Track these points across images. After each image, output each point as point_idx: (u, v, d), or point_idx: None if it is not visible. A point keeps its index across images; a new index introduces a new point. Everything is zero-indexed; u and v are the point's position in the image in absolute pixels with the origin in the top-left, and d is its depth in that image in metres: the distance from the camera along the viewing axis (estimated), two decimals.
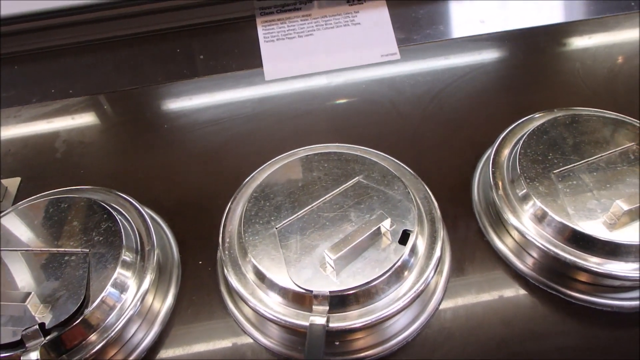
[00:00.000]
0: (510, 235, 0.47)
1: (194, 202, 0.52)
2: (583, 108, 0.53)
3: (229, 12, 0.67)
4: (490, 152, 0.51)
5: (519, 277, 0.46)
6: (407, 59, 0.64)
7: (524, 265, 0.46)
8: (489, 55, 0.65)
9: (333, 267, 0.40)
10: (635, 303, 0.44)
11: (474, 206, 0.50)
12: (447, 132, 0.56)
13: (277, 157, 0.51)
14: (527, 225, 0.45)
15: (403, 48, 0.64)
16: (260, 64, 0.63)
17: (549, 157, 0.47)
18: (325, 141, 0.53)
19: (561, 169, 0.46)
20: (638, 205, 0.42)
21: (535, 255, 0.46)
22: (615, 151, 0.48)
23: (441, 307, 0.44)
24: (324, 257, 0.41)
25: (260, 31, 0.63)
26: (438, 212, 0.46)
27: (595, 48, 0.64)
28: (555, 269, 0.45)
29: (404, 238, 0.42)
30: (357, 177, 0.47)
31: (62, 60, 0.67)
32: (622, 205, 0.42)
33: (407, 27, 0.65)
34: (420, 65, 0.64)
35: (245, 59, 0.65)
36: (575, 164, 0.46)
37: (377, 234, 0.42)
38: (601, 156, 0.47)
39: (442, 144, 0.55)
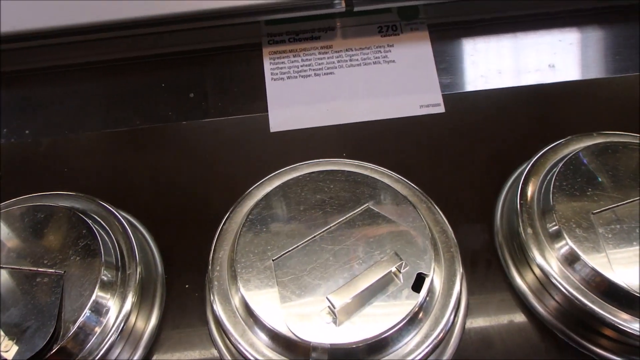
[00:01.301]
0: (534, 274, 0.41)
1: (184, 214, 0.47)
2: (628, 133, 0.46)
3: (229, 37, 0.52)
4: (519, 178, 0.45)
5: (538, 323, 0.41)
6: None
7: (545, 309, 0.41)
8: None
9: (335, 315, 0.35)
10: None
11: (495, 239, 0.44)
12: (469, 151, 0.49)
13: (278, 171, 0.45)
14: (554, 266, 0.39)
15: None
16: (264, 108, 0.49)
17: (588, 193, 0.41)
18: (333, 154, 0.47)
19: (602, 208, 0.40)
20: None
21: (558, 299, 0.40)
22: None
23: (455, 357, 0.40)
24: (325, 301, 0.36)
25: (267, 65, 0.49)
26: (458, 251, 0.40)
27: None
28: (580, 320, 0.40)
29: (418, 283, 0.37)
30: (366, 204, 0.41)
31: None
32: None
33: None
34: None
35: (246, 100, 0.51)
36: (620, 203, 0.40)
37: (388, 275, 0.38)
38: None
39: (464, 164, 0.49)
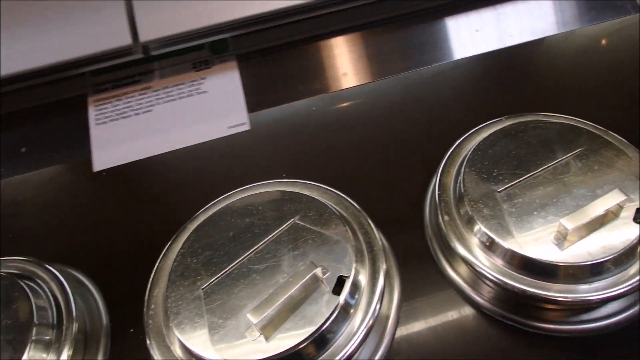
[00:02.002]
0: (462, 263, 0.43)
1: (124, 258, 0.48)
2: (537, 113, 0.49)
3: (56, 93, 0.58)
4: (437, 171, 0.48)
5: (472, 307, 0.42)
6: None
7: (477, 294, 0.43)
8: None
9: (259, 332, 0.37)
10: (596, 324, 0.42)
11: (425, 233, 0.47)
12: (396, 151, 0.52)
13: (211, 203, 0.46)
14: (474, 252, 0.41)
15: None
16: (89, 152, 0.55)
17: (494, 174, 0.44)
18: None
19: (506, 186, 0.43)
20: (583, 222, 0.39)
21: (486, 281, 0.42)
22: (562, 160, 0.44)
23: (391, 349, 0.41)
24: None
25: (92, 113, 0.54)
26: (380, 246, 0.42)
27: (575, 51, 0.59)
28: (508, 297, 0.42)
29: (338, 286, 0.39)
30: (292, 219, 0.43)
31: None
32: (566, 224, 0.39)
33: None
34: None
35: (73, 148, 0.56)
36: (521, 179, 0.43)
37: (313, 284, 0.39)
38: (547, 167, 0.44)
39: (391, 165, 0.51)
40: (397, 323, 0.43)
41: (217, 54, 0.59)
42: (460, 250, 0.42)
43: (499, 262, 0.40)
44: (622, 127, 0.50)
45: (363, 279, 0.40)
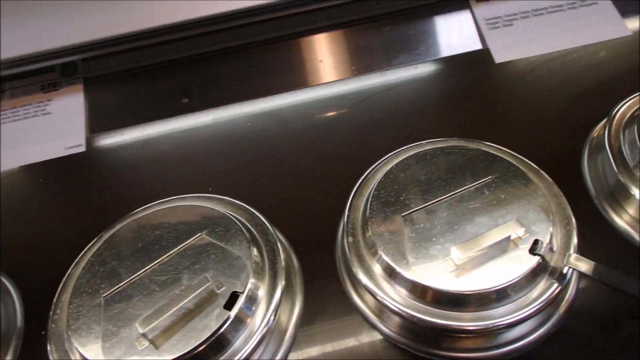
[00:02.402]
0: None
1: (43, 261, 0.49)
2: (458, 139, 0.49)
3: None
4: (351, 192, 0.48)
5: (373, 332, 0.42)
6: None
7: (380, 320, 0.42)
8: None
9: (148, 341, 0.38)
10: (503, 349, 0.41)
11: (336, 254, 0.47)
12: (318, 171, 0.53)
13: (129, 214, 0.48)
14: (373, 275, 0.41)
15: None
16: None
17: (402, 198, 0.44)
18: (185, 192, 0.50)
19: (411, 210, 0.43)
20: (473, 251, 0.39)
21: (392, 313, 0.41)
22: (471, 186, 0.44)
23: None
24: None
25: None
26: (282, 264, 0.42)
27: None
28: (405, 324, 0.42)
29: (231, 301, 0.40)
30: (200, 234, 0.44)
31: None
32: (456, 252, 0.39)
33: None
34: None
35: None
36: (427, 204, 0.43)
37: (210, 298, 0.40)
38: (455, 194, 0.44)
39: (313, 184, 0.52)
40: (293, 342, 0.43)
41: (66, 77, 0.61)
42: (360, 274, 0.41)
43: (394, 287, 0.41)
44: (542, 156, 0.50)
45: (261, 295, 0.41)
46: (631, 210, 0.47)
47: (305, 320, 0.44)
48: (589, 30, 0.59)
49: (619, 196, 0.47)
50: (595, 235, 0.47)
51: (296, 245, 0.48)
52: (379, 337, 0.43)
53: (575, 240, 0.42)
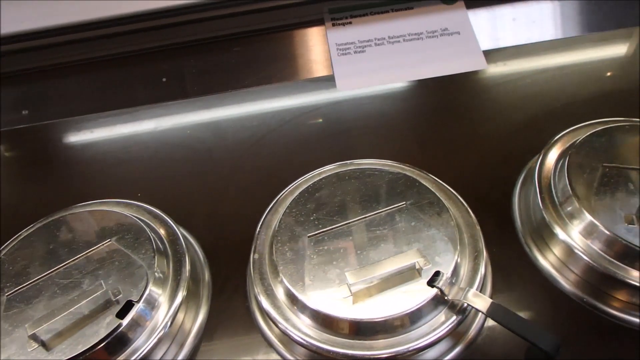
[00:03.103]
0: None
1: None
2: (382, 160, 0.49)
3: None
4: (266, 210, 0.47)
5: (269, 349, 0.42)
6: None
7: (274, 334, 0.42)
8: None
9: (39, 343, 0.38)
10: None
11: (248, 269, 0.45)
12: (243, 183, 0.52)
13: (52, 214, 0.48)
14: (273, 293, 0.40)
15: None
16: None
17: (312, 218, 0.43)
18: (114, 195, 0.51)
19: (318, 231, 0.42)
20: (367, 278, 0.38)
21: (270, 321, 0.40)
22: (384, 211, 0.43)
23: None
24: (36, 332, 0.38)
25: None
26: (186, 276, 0.41)
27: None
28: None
29: (125, 309, 0.40)
30: (109, 240, 0.44)
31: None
32: (350, 278, 0.38)
33: None
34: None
35: None
36: (336, 226, 0.42)
37: (104, 305, 0.39)
38: (366, 217, 0.43)
39: (238, 197, 0.52)
40: (193, 353, 0.42)
41: None
42: (260, 294, 0.40)
43: (289, 308, 0.40)
44: (475, 182, 0.50)
45: (161, 303, 0.41)
46: (555, 249, 0.45)
47: (208, 333, 0.43)
48: (445, 62, 0.54)
49: (544, 233, 0.45)
50: (514, 271, 0.45)
51: (212, 258, 0.48)
52: (276, 357, 0.42)
53: (480, 274, 0.40)
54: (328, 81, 0.59)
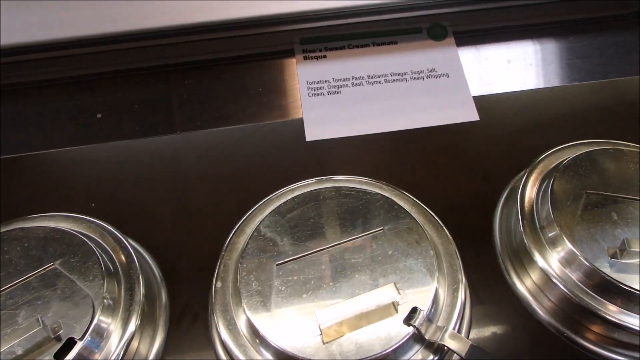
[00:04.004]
0: None
1: None
2: (360, 178, 0.45)
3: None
4: (232, 231, 0.43)
5: None
6: None
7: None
8: None
9: None
10: None
11: (209, 296, 0.42)
12: (210, 201, 0.48)
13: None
14: (235, 325, 0.37)
15: None
16: None
17: (282, 243, 0.39)
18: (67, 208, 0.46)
19: (287, 259, 0.39)
20: (338, 318, 0.35)
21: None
22: (360, 236, 0.39)
23: None
24: None
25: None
26: (140, 307, 0.37)
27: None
28: None
29: (66, 347, 0.35)
30: (53, 263, 0.39)
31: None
32: (320, 317, 0.35)
33: None
34: None
35: None
36: (307, 253, 0.39)
37: (42, 343, 0.35)
38: (340, 243, 0.39)
39: (204, 216, 0.47)
40: None
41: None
42: (220, 325, 0.37)
43: (252, 344, 0.37)
44: (455, 200, 0.47)
45: (111, 332, 0.37)
46: (534, 275, 0.43)
47: None
48: (431, 110, 0.48)
49: (523, 258, 0.43)
50: (493, 299, 0.43)
51: (171, 279, 0.44)
52: None
53: (459, 310, 0.38)
54: (296, 125, 0.50)
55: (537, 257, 0.42)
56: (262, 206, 0.44)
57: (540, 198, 0.44)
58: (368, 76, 0.50)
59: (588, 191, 0.43)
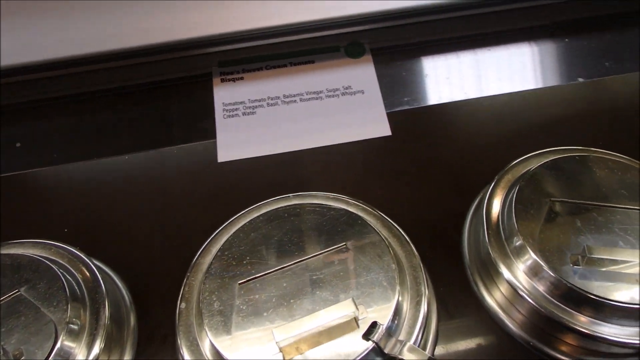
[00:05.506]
0: None
1: None
2: (325, 194, 0.45)
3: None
4: (198, 252, 0.43)
5: None
6: None
7: None
8: None
9: None
10: None
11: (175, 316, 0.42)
12: (178, 221, 0.48)
13: None
14: (199, 346, 0.37)
15: None
16: None
17: (245, 262, 0.40)
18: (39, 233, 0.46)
19: (249, 278, 0.39)
20: (295, 334, 0.34)
21: None
22: (322, 253, 0.40)
23: None
24: None
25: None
26: (103, 331, 0.37)
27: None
28: None
29: None
30: (18, 289, 0.39)
31: None
32: (277, 335, 0.34)
33: None
34: None
35: None
36: (270, 271, 0.39)
37: None
38: (303, 260, 0.40)
39: (172, 237, 0.47)
40: None
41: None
42: (184, 349, 0.37)
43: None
44: (417, 217, 0.47)
45: (76, 357, 0.36)
46: (502, 288, 0.42)
47: None
48: (343, 127, 0.48)
49: (491, 270, 0.43)
50: (461, 311, 0.42)
51: (140, 302, 0.44)
52: None
53: (420, 323, 0.38)
54: (210, 149, 0.51)
55: (503, 268, 0.41)
56: (228, 226, 0.44)
57: (505, 208, 0.44)
58: (284, 96, 0.51)
59: (552, 199, 0.44)
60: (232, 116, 0.49)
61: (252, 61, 0.54)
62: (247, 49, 0.54)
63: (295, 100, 0.50)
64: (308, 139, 0.49)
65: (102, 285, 0.42)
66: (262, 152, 0.49)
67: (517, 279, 0.41)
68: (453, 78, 0.54)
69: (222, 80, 0.51)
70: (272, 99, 0.50)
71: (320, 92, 0.51)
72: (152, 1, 0.51)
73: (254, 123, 0.50)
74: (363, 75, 0.51)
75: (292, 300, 0.38)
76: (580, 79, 0.57)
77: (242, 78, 0.51)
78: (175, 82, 0.56)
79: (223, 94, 0.50)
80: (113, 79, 0.56)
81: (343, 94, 0.51)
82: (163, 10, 0.50)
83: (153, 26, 0.50)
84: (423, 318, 0.38)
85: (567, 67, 0.58)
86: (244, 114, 0.49)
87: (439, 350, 0.41)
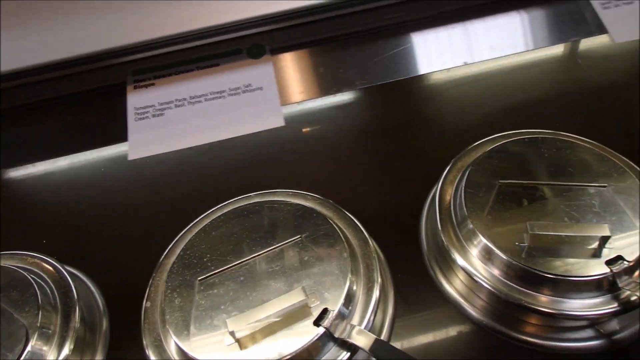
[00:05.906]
0: None
1: None
2: (284, 191, 0.47)
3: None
4: (163, 253, 0.45)
5: None
6: None
7: None
8: None
9: None
10: None
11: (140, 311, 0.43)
12: (140, 225, 0.50)
13: None
14: (164, 351, 0.39)
15: None
16: None
17: (205, 259, 0.42)
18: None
19: (209, 274, 0.41)
20: (253, 322, 0.36)
21: None
22: (278, 247, 0.42)
23: None
24: None
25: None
26: (73, 334, 0.38)
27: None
28: None
29: None
30: None
31: None
32: (231, 324, 0.36)
33: None
34: None
35: None
36: (228, 267, 0.41)
37: None
38: (260, 254, 0.41)
39: (144, 238, 0.50)
40: None
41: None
42: (148, 345, 0.38)
43: (173, 358, 0.38)
44: (375, 208, 0.48)
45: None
46: (459, 274, 0.43)
47: None
48: (242, 121, 0.52)
49: (447, 257, 0.44)
50: (419, 298, 0.43)
51: (112, 305, 0.46)
52: None
53: (372, 307, 0.39)
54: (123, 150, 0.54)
55: (456, 255, 0.42)
56: (192, 227, 0.46)
57: (455, 194, 0.45)
58: (190, 97, 0.55)
59: (500, 181, 0.45)
60: (143, 119, 0.54)
61: (163, 68, 0.58)
62: (159, 56, 0.58)
63: (200, 101, 0.55)
64: (209, 134, 0.53)
65: (74, 290, 0.44)
66: (169, 148, 0.53)
67: (472, 264, 0.42)
68: (346, 72, 0.58)
69: (135, 87, 0.55)
70: (179, 101, 0.55)
71: (223, 91, 0.55)
72: (68, 16, 0.54)
73: (162, 123, 0.54)
74: (262, 73, 0.55)
75: (248, 293, 0.40)
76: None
77: (153, 84, 0.56)
78: (94, 92, 0.60)
79: (135, 100, 0.55)
80: (38, 92, 0.59)
81: (244, 91, 0.55)
82: (78, 23, 0.53)
83: (73, 37, 0.53)
84: (375, 303, 0.39)
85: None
86: (153, 116, 0.53)
87: (397, 337, 0.42)
